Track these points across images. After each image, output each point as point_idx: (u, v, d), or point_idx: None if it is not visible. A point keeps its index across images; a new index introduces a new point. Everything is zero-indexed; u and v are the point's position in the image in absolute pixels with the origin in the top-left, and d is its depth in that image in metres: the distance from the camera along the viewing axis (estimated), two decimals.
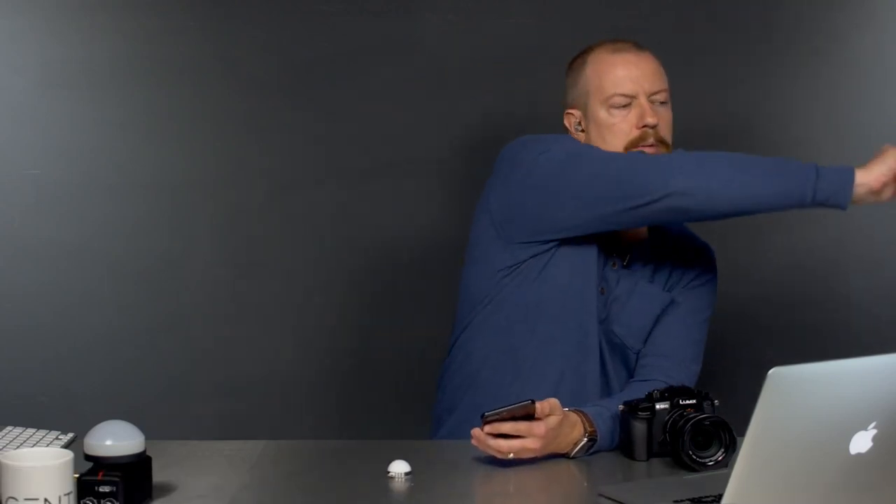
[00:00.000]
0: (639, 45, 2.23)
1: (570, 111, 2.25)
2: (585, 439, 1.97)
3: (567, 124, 2.25)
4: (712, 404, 1.99)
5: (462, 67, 2.79)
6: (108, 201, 2.83)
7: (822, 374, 1.43)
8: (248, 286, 2.88)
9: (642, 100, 2.18)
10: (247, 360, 2.87)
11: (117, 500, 1.69)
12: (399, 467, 1.87)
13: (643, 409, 1.97)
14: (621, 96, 2.18)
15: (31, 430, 2.08)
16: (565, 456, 1.96)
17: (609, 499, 1.77)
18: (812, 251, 2.87)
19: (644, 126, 2.17)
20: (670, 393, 1.99)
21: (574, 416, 1.98)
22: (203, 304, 2.86)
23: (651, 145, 2.17)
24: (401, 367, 2.74)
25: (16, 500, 1.58)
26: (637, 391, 2.09)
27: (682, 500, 1.73)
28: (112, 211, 2.83)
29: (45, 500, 1.58)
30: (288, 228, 2.88)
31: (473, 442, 1.90)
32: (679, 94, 2.85)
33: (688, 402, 1.98)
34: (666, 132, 2.20)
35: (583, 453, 1.97)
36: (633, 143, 2.18)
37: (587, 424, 1.99)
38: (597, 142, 2.20)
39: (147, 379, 2.85)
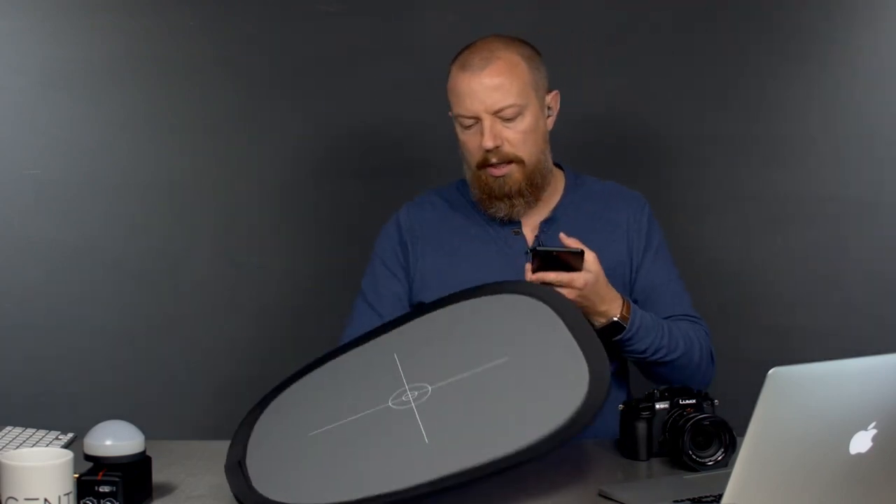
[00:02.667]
0: (489, 55, 2.15)
1: (450, 112, 2.24)
2: (614, 319, 2.05)
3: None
4: (712, 404, 2.00)
5: None
6: (108, 201, 2.83)
7: (822, 374, 1.43)
8: (248, 286, 2.88)
9: (486, 121, 2.14)
10: (246, 359, 2.87)
11: (117, 500, 1.69)
12: None
13: (643, 409, 1.98)
14: (465, 117, 2.16)
15: (31, 430, 2.08)
16: (592, 325, 2.03)
17: (609, 499, 1.78)
18: (812, 251, 2.87)
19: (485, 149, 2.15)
20: (670, 393, 1.99)
21: (615, 293, 2.07)
22: (203, 304, 2.86)
23: (494, 165, 2.16)
24: None
25: (16, 500, 1.58)
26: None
27: (682, 500, 1.73)
28: (112, 211, 2.83)
29: (45, 500, 1.59)
30: (287, 228, 2.88)
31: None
32: (679, 94, 2.87)
33: (688, 401, 1.98)
34: (519, 147, 2.16)
35: (604, 334, 2.04)
36: (480, 164, 2.17)
37: (624, 309, 2.07)
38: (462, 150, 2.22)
39: (147, 379, 2.85)
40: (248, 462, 1.83)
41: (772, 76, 2.84)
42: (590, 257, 2.03)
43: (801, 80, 2.84)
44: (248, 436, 1.89)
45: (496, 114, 2.14)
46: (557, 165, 2.32)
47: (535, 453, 1.71)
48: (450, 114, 2.22)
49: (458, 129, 2.20)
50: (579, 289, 2.00)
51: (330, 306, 2.82)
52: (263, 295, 2.87)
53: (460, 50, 2.21)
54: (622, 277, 2.23)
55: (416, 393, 1.83)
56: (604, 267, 2.19)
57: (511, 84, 2.14)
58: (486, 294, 2.00)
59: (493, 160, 2.16)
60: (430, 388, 1.83)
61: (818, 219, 2.87)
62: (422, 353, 1.92)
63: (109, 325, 2.84)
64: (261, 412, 1.95)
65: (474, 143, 2.17)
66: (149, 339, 2.85)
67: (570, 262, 1.99)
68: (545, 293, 1.96)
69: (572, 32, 2.82)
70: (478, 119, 2.15)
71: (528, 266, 2.01)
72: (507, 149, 2.16)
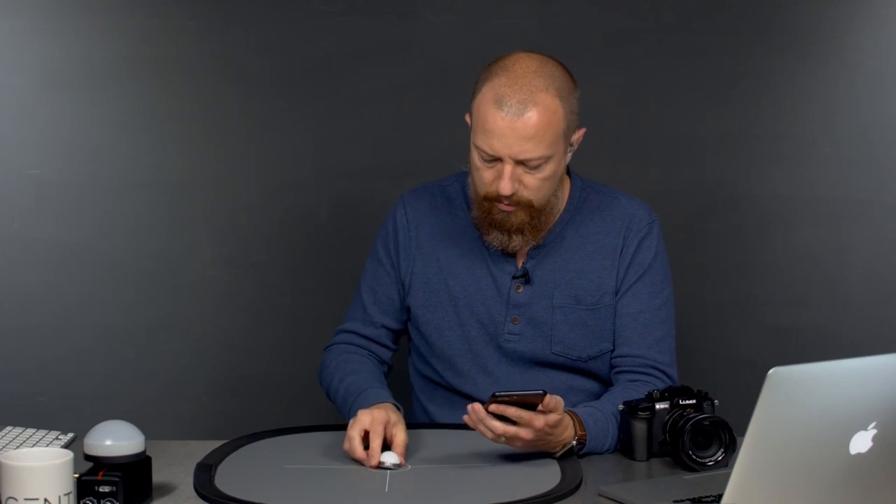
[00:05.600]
0: (528, 97, 2.04)
1: (468, 116, 2.16)
2: (574, 442, 1.97)
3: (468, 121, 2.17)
4: (712, 404, 1.99)
5: (462, 67, 2.79)
6: (108, 201, 2.82)
7: (822, 374, 1.43)
8: (248, 286, 2.88)
9: (507, 166, 2.06)
10: (246, 359, 2.87)
11: (117, 500, 1.69)
12: (390, 458, 1.92)
13: (643, 409, 1.98)
14: (487, 154, 2.07)
15: (31, 430, 2.08)
16: (551, 455, 1.96)
17: (609, 499, 1.78)
18: (812, 251, 2.87)
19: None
20: (670, 393, 1.99)
21: (567, 419, 1.97)
22: (203, 304, 2.86)
23: (506, 205, 2.10)
24: (400, 366, 2.73)
25: (16, 500, 1.58)
26: (626, 391, 2.12)
27: (682, 500, 1.73)
28: (112, 211, 2.83)
29: (45, 500, 1.59)
30: (287, 228, 2.88)
31: (466, 418, 1.91)
32: (679, 94, 2.87)
33: (688, 401, 1.98)
34: (534, 193, 2.09)
35: (569, 455, 1.97)
36: (489, 198, 2.11)
37: (578, 427, 1.99)
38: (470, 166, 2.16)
39: (147, 379, 2.85)
40: (220, 467, 1.91)
41: (772, 76, 2.84)
42: (552, 403, 1.91)
43: (801, 80, 2.84)
44: (230, 451, 2.00)
45: (521, 162, 2.07)
46: (567, 170, 2.25)
47: None
48: (467, 118, 2.16)
49: (474, 154, 2.11)
50: (537, 429, 1.89)
51: (330, 306, 2.83)
52: (263, 295, 2.87)
53: (495, 64, 2.11)
54: (608, 308, 2.19)
55: (396, 464, 1.94)
56: (591, 297, 2.19)
57: (544, 136, 2.05)
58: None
59: (505, 201, 2.10)
60: (410, 466, 1.94)
61: (818, 219, 2.87)
62: (416, 447, 2.02)
63: (109, 324, 2.84)
64: (251, 441, 2.07)
65: (489, 176, 2.09)
66: (149, 339, 2.85)
67: (531, 402, 1.90)
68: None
69: (572, 32, 2.82)
70: (498, 160, 2.07)
71: (476, 407, 1.91)
72: (522, 193, 2.09)
